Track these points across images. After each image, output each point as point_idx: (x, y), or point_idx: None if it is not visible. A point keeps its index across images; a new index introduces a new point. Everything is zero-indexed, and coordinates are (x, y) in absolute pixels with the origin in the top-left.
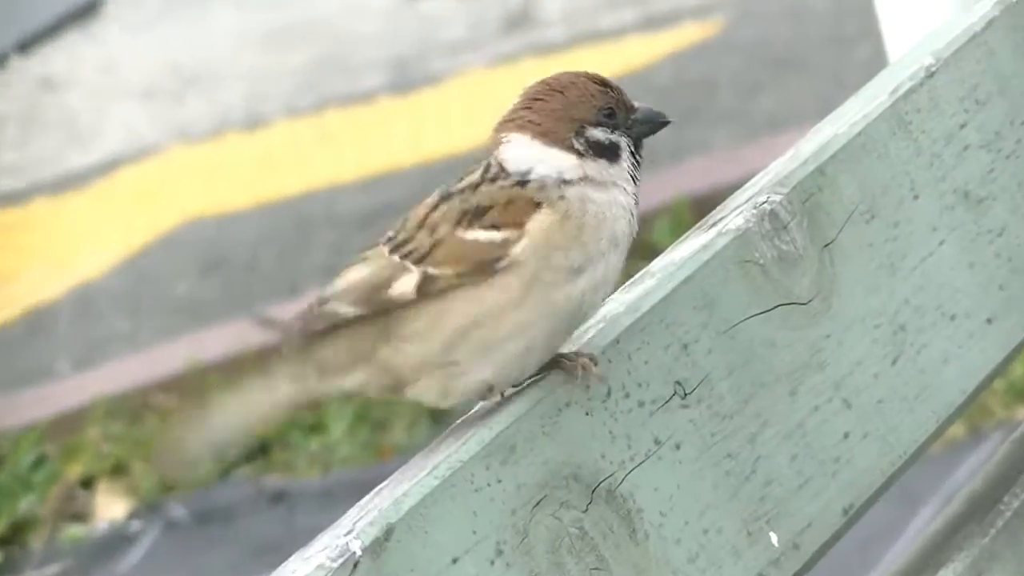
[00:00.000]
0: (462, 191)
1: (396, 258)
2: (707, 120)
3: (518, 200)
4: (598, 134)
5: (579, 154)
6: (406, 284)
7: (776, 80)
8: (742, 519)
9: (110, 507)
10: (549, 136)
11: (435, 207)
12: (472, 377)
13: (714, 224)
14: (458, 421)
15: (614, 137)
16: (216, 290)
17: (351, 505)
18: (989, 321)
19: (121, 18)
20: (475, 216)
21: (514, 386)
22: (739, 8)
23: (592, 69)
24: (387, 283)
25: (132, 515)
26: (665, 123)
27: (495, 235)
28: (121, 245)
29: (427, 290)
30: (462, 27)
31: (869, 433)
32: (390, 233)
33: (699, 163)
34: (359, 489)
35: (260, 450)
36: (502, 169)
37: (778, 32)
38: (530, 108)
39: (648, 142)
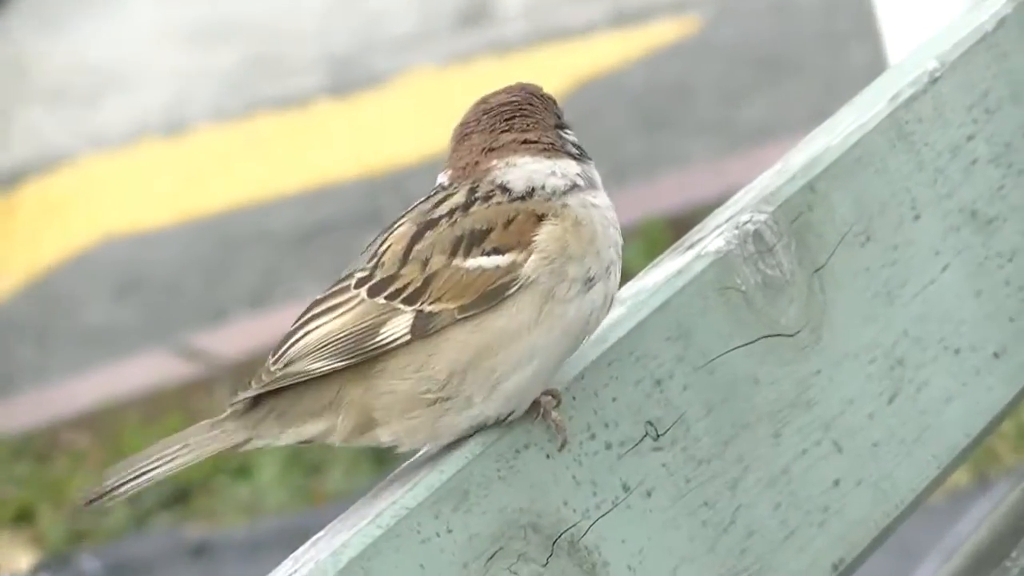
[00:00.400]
0: (449, 215)
1: (380, 300)
2: (684, 129)
3: (519, 216)
4: (571, 136)
5: (575, 158)
6: (398, 327)
7: (761, 85)
8: (720, 575)
9: (13, 558)
10: (553, 148)
11: (418, 237)
12: (471, 411)
13: (691, 246)
14: (404, 464)
15: (575, 138)
16: (133, 316)
17: (281, 557)
18: (996, 355)
19: (30, 12)
20: (473, 241)
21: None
22: (719, 4)
23: (556, 71)
24: (373, 330)
25: (38, 567)
26: None
27: (499, 260)
28: (27, 265)
29: (423, 329)
30: (410, 22)
31: (862, 480)
32: (360, 273)
33: (675, 178)
34: (290, 539)
35: (179, 496)
36: (503, 189)
37: (763, 31)
38: (510, 129)
39: (618, 154)
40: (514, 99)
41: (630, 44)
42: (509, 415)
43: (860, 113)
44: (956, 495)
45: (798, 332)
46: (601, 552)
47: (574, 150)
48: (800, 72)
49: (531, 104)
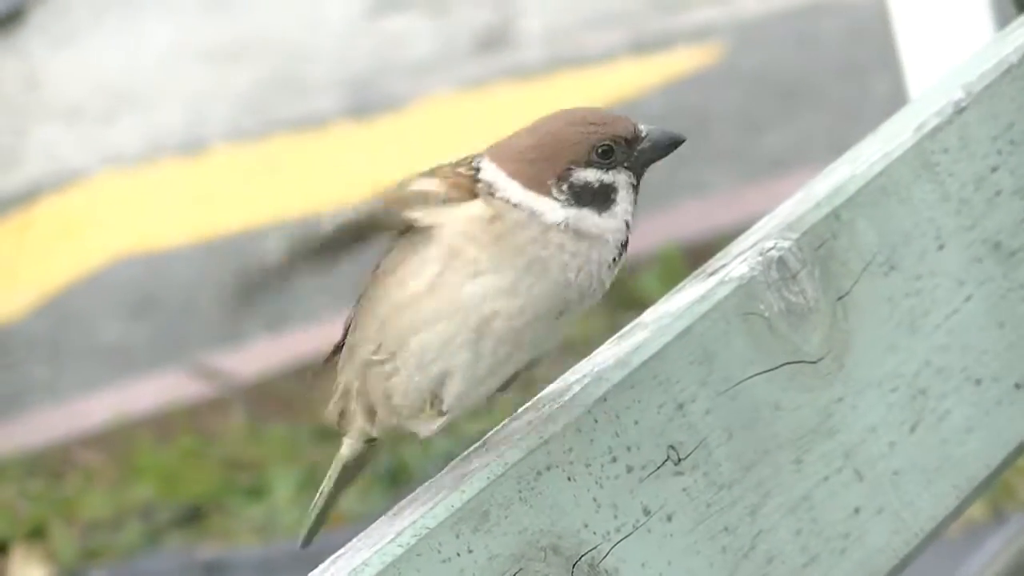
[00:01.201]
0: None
1: None
2: (703, 158)
3: (463, 181)
4: (588, 176)
5: (559, 201)
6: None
7: (782, 114)
8: None
9: (26, 574)
10: (523, 177)
11: None
12: (404, 375)
13: (714, 272)
14: (425, 484)
15: (607, 177)
16: (147, 335)
17: None
18: (1018, 387)
19: (46, 29)
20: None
21: (465, 409)
22: (741, 32)
23: (575, 98)
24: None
25: None
26: (676, 142)
27: (426, 183)
28: (41, 284)
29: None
30: (429, 46)
31: (883, 508)
32: None
33: (693, 206)
34: (305, 562)
35: (193, 515)
36: (474, 168)
37: (784, 60)
38: (516, 142)
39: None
40: (544, 121)
41: (649, 71)
42: (456, 391)
43: (885, 142)
44: (970, 528)
45: (821, 359)
46: (621, 575)
47: (560, 194)
48: (820, 102)
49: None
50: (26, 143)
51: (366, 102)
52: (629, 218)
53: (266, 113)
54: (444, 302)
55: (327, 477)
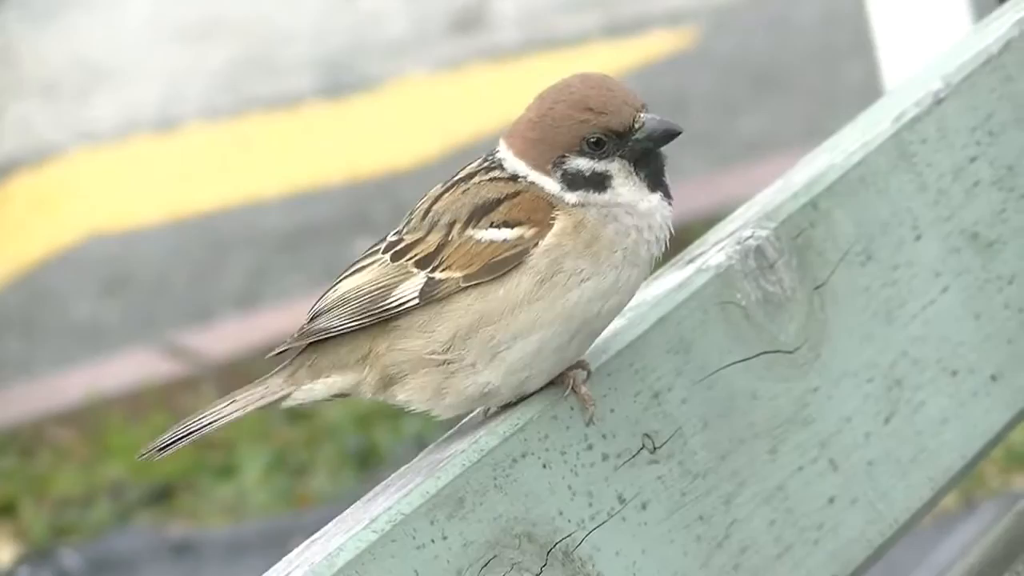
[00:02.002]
0: (465, 179)
1: (398, 263)
2: (677, 142)
3: (526, 193)
4: (580, 164)
5: (559, 181)
6: (408, 290)
7: (756, 99)
8: None
9: None
10: (528, 158)
11: (438, 198)
12: (477, 378)
13: (692, 260)
14: (400, 469)
15: (600, 166)
16: (120, 313)
17: (264, 558)
18: (994, 378)
19: (22, 4)
20: (485, 211)
21: (513, 400)
22: (715, 17)
23: (549, 79)
24: (387, 291)
25: (20, 561)
26: (671, 134)
27: (508, 233)
28: (14, 259)
29: (430, 294)
30: (404, 26)
31: (857, 498)
32: (392, 236)
33: None
34: (274, 541)
35: (162, 494)
36: (500, 167)
37: (759, 45)
38: (524, 115)
39: None
40: (546, 96)
41: (624, 54)
42: (525, 389)
43: (863, 132)
44: (941, 518)
45: (797, 349)
46: (595, 563)
47: (557, 178)
48: (795, 87)
49: (548, 113)
50: (2, 119)
51: (341, 82)
52: (660, 187)
53: (241, 92)
54: (545, 312)
55: (242, 400)
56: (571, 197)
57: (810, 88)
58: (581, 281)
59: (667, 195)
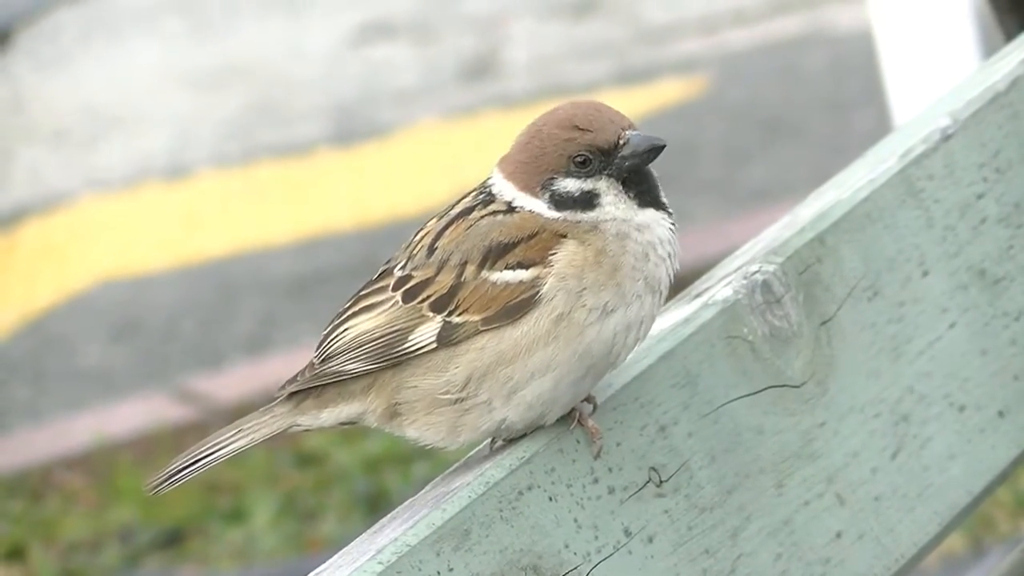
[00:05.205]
0: (462, 214)
1: (412, 303)
2: (687, 189)
3: (543, 233)
4: (568, 185)
5: (549, 202)
6: (425, 335)
7: (766, 147)
8: None
9: None
10: (517, 179)
11: (440, 233)
12: (493, 416)
13: (699, 295)
14: (406, 503)
15: (587, 185)
16: (129, 358)
17: None
18: (1001, 414)
19: (32, 52)
20: (500, 253)
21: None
22: (726, 65)
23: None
24: (403, 335)
25: None
26: (656, 149)
27: (523, 274)
28: (24, 305)
29: (447, 338)
30: (414, 74)
31: (864, 533)
32: (398, 271)
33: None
34: None
35: (172, 538)
36: (495, 197)
37: (769, 93)
38: (516, 139)
39: None
40: (535, 124)
41: (634, 102)
42: (541, 423)
43: (871, 168)
44: (951, 560)
45: (804, 384)
46: None
47: (544, 199)
48: (804, 136)
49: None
50: (11, 166)
51: (351, 129)
52: (652, 201)
53: (251, 139)
54: (562, 348)
55: (248, 428)
56: (559, 216)
57: (820, 136)
58: (605, 314)
59: (664, 210)
